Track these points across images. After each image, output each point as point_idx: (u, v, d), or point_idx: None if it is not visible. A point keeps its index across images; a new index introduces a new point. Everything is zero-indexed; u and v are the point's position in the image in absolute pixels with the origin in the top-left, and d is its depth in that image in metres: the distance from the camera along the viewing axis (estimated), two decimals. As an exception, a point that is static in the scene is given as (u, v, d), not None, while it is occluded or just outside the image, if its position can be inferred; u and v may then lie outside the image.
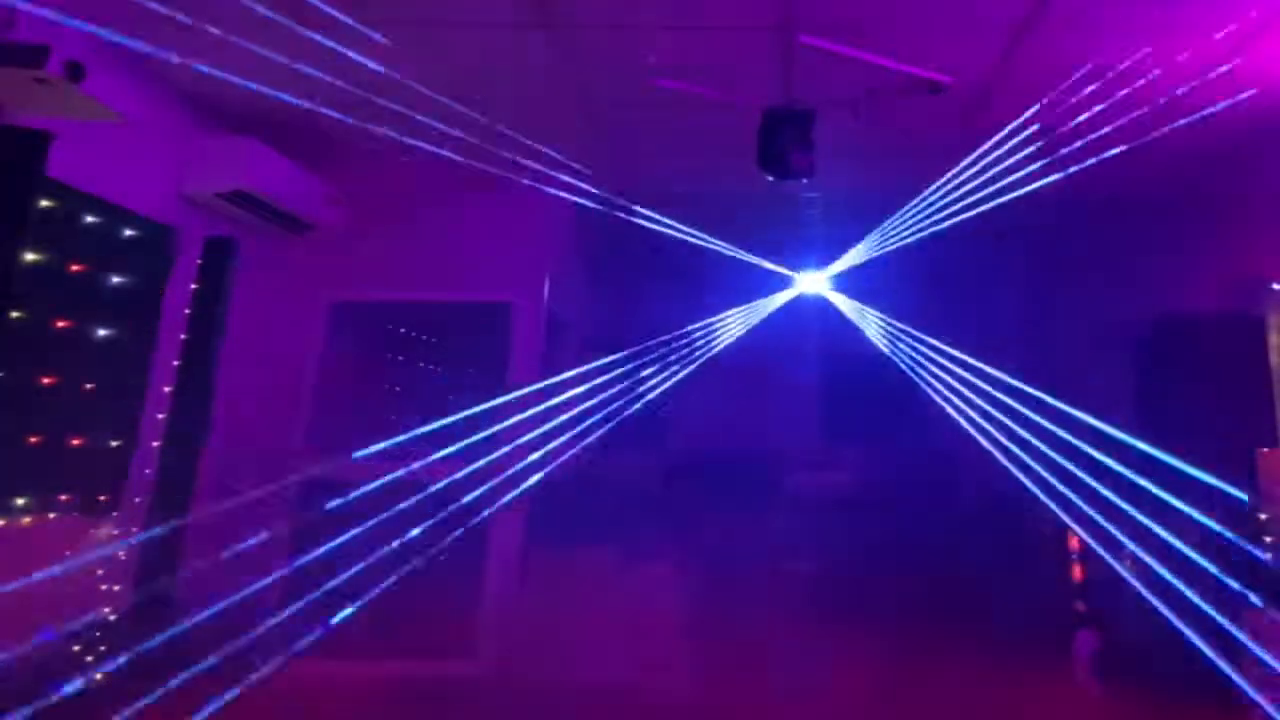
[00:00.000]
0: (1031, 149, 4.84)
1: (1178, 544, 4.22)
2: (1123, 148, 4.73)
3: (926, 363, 7.96)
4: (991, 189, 5.79)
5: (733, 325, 8.10)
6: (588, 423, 7.09)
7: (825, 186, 5.36)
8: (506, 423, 5.17)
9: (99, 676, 3.66)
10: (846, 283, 7.68)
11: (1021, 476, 6.66)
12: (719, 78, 3.76)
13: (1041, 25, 3.33)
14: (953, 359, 7.93)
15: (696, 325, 8.18)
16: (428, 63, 3.61)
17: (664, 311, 8.33)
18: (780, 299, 7.80)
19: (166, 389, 4.15)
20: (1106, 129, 4.52)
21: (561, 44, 3.58)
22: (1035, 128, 4.51)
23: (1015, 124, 4.46)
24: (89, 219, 3.66)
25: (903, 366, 7.91)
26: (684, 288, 8.19)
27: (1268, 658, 3.42)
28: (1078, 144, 4.74)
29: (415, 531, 4.86)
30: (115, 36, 3.45)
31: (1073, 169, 5.21)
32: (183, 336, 4.26)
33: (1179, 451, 4.45)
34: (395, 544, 5.12)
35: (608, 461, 7.27)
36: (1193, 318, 4.59)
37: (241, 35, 3.21)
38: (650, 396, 8.16)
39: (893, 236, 7.35)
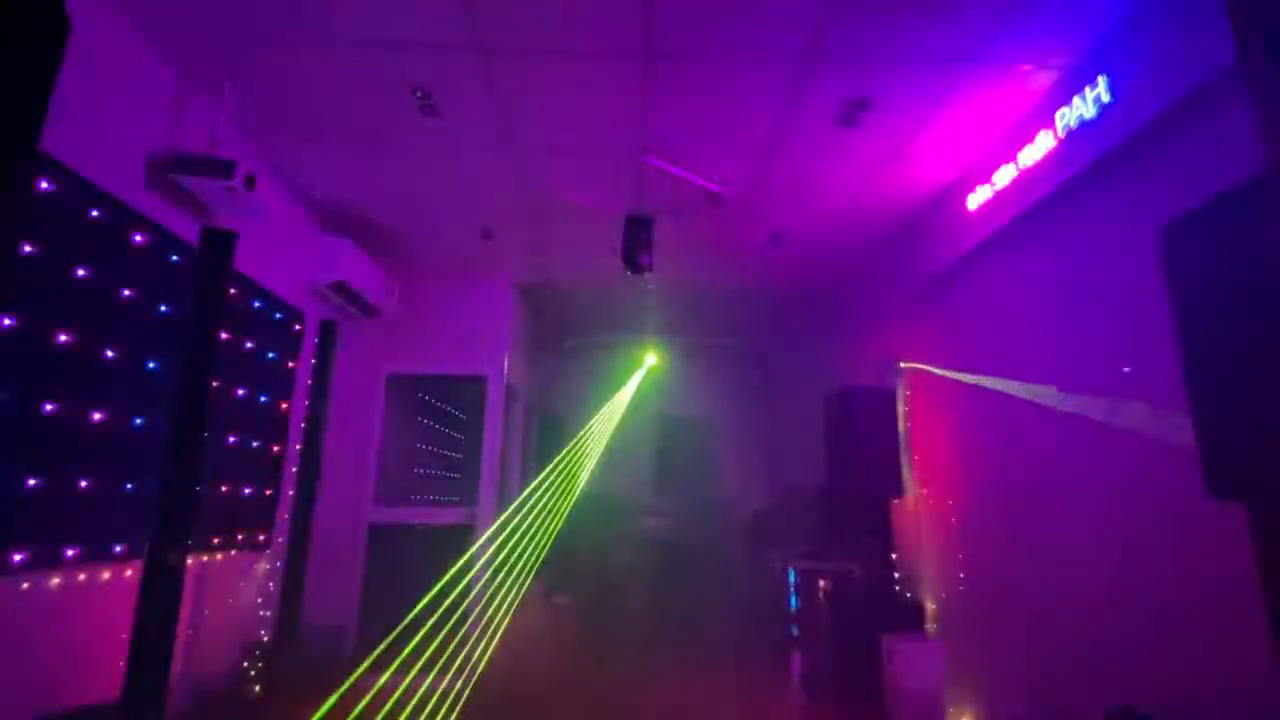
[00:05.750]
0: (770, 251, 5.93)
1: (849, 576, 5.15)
2: (819, 247, 5.84)
3: (711, 426, 10.16)
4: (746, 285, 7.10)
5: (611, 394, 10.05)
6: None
7: (657, 281, 6.66)
8: (484, 474, 6.33)
9: (258, 689, 4.33)
10: (671, 359, 9.92)
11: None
12: (603, 192, 4.79)
13: (775, 150, 4.24)
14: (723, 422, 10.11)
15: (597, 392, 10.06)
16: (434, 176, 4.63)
17: (577, 383, 10.17)
18: (636, 372, 9.90)
19: (297, 446, 4.93)
20: (809, 232, 5.51)
21: (513, 161, 4.47)
22: (772, 233, 5.55)
23: (760, 229, 5.49)
24: (256, 304, 4.49)
25: (701, 428, 10.14)
26: (586, 364, 10.05)
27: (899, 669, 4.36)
28: (794, 246, 5.81)
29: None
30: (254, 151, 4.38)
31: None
32: (305, 403, 5.06)
33: (852, 499, 5.34)
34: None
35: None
36: (857, 390, 5.37)
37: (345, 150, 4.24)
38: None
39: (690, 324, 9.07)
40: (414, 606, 5.96)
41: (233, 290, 4.23)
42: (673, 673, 5.54)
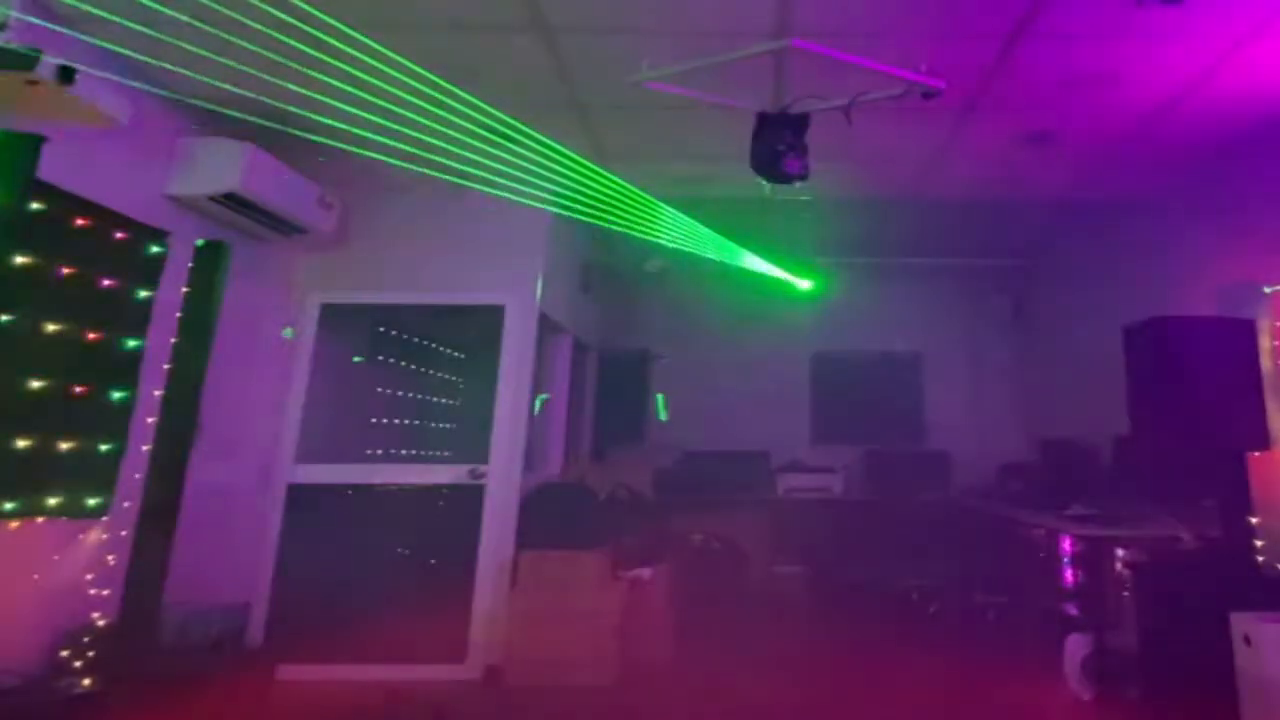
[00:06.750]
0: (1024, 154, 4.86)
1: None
2: (1112, 151, 4.76)
3: (918, 363, 8.15)
4: (986, 194, 5.84)
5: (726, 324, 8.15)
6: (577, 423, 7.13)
7: (816, 191, 5.37)
8: (498, 424, 5.18)
9: (87, 683, 3.63)
10: (839, 284, 7.77)
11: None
12: (714, 82, 3.75)
13: (1032, 32, 3.37)
14: (946, 361, 8.12)
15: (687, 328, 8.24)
16: (420, 66, 3.60)
17: (655, 316, 8.41)
18: (772, 299, 7.82)
19: (157, 392, 4.13)
20: (1097, 133, 4.56)
21: (555, 47, 3.58)
22: (1028, 132, 4.54)
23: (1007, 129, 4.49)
24: (79, 222, 3.63)
25: (896, 367, 8.08)
26: (673, 293, 8.24)
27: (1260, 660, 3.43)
28: (1069, 148, 4.78)
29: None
30: (102, 43, 3.45)
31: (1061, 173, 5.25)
32: (173, 340, 4.24)
33: (1171, 454, 4.48)
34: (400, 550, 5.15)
35: (599, 462, 7.32)
36: (1186, 321, 4.41)
37: (237, 38, 3.23)
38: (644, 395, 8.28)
39: (886, 240, 7.42)
40: (355, 579, 5.03)
41: (37, 205, 3.39)
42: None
